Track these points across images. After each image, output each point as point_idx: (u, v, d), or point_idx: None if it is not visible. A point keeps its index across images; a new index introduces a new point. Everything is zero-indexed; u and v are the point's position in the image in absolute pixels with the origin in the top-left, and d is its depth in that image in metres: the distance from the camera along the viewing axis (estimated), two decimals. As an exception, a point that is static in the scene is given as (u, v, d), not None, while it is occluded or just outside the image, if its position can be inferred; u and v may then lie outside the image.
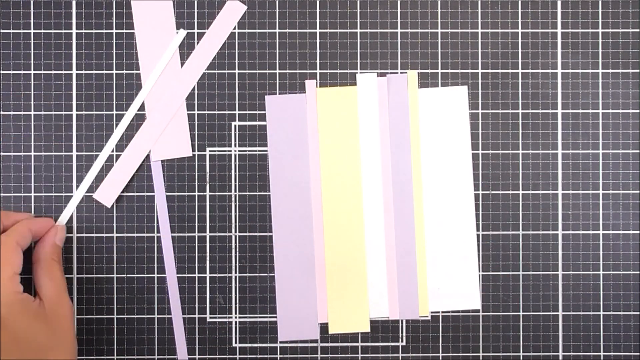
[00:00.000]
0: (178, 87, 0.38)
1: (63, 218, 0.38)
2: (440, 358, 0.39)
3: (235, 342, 0.39)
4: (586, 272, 0.38)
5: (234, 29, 0.39)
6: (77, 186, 0.38)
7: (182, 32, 0.36)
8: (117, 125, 0.39)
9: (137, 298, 0.38)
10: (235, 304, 0.39)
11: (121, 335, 0.38)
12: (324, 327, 0.39)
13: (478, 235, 0.38)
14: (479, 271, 0.39)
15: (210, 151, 0.39)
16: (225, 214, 0.39)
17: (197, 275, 0.39)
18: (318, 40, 0.39)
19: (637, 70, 0.39)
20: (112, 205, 0.38)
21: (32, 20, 0.39)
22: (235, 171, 0.39)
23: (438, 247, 0.38)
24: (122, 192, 0.38)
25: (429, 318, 0.39)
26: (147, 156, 0.39)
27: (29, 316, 0.33)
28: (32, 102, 0.38)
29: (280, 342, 0.39)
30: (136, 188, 0.38)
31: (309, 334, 0.38)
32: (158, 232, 0.38)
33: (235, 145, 0.39)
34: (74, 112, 0.39)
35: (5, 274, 0.33)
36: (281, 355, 0.38)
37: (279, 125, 0.39)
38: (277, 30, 0.39)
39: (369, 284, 0.38)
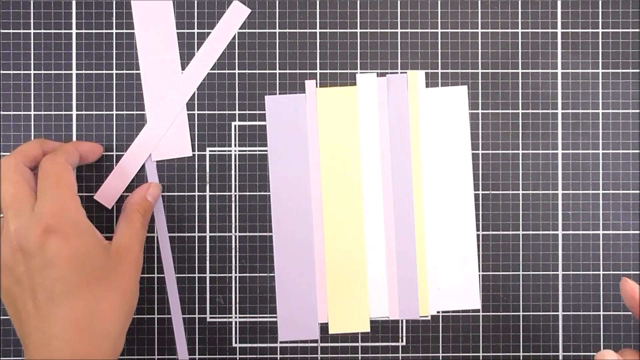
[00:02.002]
0: (180, 89, 0.38)
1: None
2: (440, 358, 0.39)
3: (235, 342, 0.39)
4: (586, 272, 0.38)
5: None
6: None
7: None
8: (117, 125, 0.39)
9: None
10: (235, 304, 0.39)
11: (121, 335, 0.38)
12: (324, 327, 0.39)
13: (478, 235, 0.38)
14: (479, 271, 0.39)
15: (210, 151, 0.39)
16: (225, 214, 0.39)
17: (197, 275, 0.39)
18: (318, 40, 0.39)
19: (637, 70, 0.39)
20: (113, 206, 0.38)
21: (32, 20, 0.39)
22: (235, 171, 0.39)
23: (438, 247, 0.38)
24: (122, 192, 0.38)
25: (429, 318, 0.39)
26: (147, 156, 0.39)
27: (94, 242, 0.32)
28: (32, 102, 0.38)
29: (280, 342, 0.39)
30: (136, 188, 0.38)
31: (309, 334, 0.38)
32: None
33: (235, 145, 0.39)
34: (74, 112, 0.39)
35: (65, 194, 0.32)
36: (281, 355, 0.38)
37: (279, 125, 0.39)
38: (277, 30, 0.39)
39: (369, 284, 0.38)
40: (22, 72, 0.38)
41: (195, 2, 0.39)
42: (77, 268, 0.30)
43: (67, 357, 0.29)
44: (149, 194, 0.36)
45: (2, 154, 0.38)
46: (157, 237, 0.38)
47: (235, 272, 0.39)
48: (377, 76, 0.39)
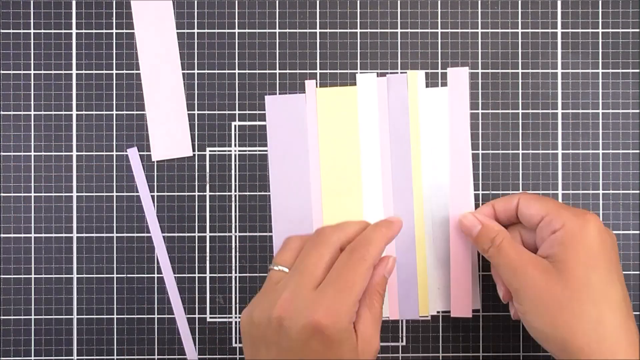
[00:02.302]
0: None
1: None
2: (440, 358, 0.39)
3: (235, 342, 0.39)
4: (586, 272, 0.38)
5: (234, 28, 0.39)
6: (77, 186, 0.38)
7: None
8: (117, 125, 0.39)
9: (137, 298, 0.38)
10: (235, 304, 0.39)
11: (121, 335, 0.38)
12: (324, 327, 0.38)
13: (478, 235, 0.38)
14: (479, 271, 0.39)
15: (210, 151, 0.39)
16: (225, 214, 0.39)
17: (197, 275, 0.39)
18: (318, 40, 0.39)
19: (637, 70, 0.39)
20: (113, 205, 0.38)
21: (32, 20, 0.39)
22: (235, 171, 0.39)
23: (438, 247, 0.38)
24: (122, 192, 0.38)
25: (429, 318, 0.39)
26: (147, 156, 0.39)
27: (349, 354, 0.29)
28: (32, 102, 0.38)
29: (280, 342, 0.39)
30: (136, 188, 0.38)
31: (309, 334, 0.38)
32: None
33: (235, 145, 0.39)
34: (74, 112, 0.39)
35: (350, 303, 0.29)
36: (281, 355, 0.38)
37: (279, 125, 0.39)
38: (277, 30, 0.39)
39: (369, 284, 0.38)
40: (22, 72, 0.38)
41: (195, 2, 0.39)
42: None
43: None
44: (387, 271, 0.33)
45: (2, 154, 0.38)
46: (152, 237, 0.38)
47: (235, 272, 0.39)
48: (377, 76, 0.39)
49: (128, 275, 0.38)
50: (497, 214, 0.35)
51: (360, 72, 0.39)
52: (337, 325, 0.29)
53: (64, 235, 0.38)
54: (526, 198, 0.34)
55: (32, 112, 0.38)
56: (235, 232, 0.39)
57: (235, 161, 0.39)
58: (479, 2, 0.39)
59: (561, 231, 0.31)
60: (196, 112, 0.39)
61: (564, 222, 0.31)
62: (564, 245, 0.31)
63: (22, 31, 0.39)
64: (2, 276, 0.38)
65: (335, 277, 0.30)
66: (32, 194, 0.38)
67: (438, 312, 0.39)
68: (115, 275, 0.38)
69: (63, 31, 0.39)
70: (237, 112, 0.39)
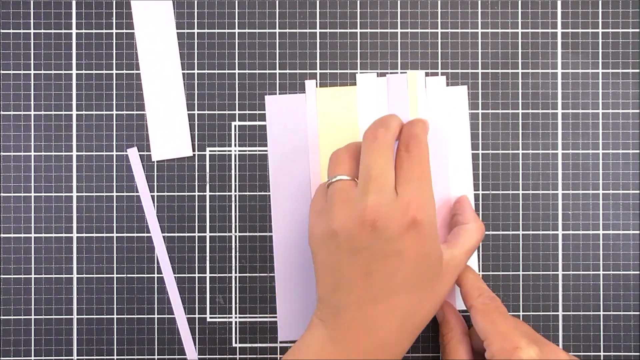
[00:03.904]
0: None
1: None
2: (440, 358, 0.39)
3: (235, 342, 0.39)
4: (586, 272, 0.38)
5: (234, 28, 0.39)
6: (77, 186, 0.38)
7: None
8: (117, 125, 0.39)
9: (137, 298, 0.38)
10: (235, 304, 0.39)
11: (121, 335, 0.38)
12: (324, 327, 0.38)
13: (478, 235, 0.38)
14: (479, 271, 0.39)
15: (210, 151, 0.39)
16: (225, 214, 0.39)
17: (197, 275, 0.39)
18: (318, 40, 0.39)
19: (637, 70, 0.39)
20: (113, 205, 0.38)
21: (32, 20, 0.39)
22: (235, 171, 0.39)
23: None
24: (122, 192, 0.38)
25: (429, 318, 0.39)
26: (147, 156, 0.39)
27: (437, 247, 0.32)
28: (32, 102, 0.38)
29: (280, 342, 0.39)
30: (136, 188, 0.38)
31: (309, 334, 0.38)
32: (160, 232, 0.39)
33: (235, 145, 0.39)
34: (74, 112, 0.39)
35: (429, 190, 0.31)
36: (281, 356, 0.38)
37: (279, 125, 0.39)
38: (277, 30, 0.39)
39: (369, 284, 0.38)
40: (22, 72, 0.38)
41: (195, 2, 0.39)
42: (420, 268, 0.31)
43: (377, 343, 0.30)
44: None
45: (2, 154, 0.38)
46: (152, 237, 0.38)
47: (235, 272, 0.39)
48: (377, 76, 0.39)
49: (128, 275, 0.38)
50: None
51: (360, 72, 0.39)
52: (430, 217, 0.31)
53: (64, 235, 0.38)
54: (474, 311, 0.33)
55: (32, 112, 0.38)
56: (235, 232, 0.39)
57: (235, 161, 0.39)
58: (479, 2, 0.39)
59: None
60: (196, 112, 0.39)
61: (492, 354, 0.31)
62: None
63: (22, 31, 0.39)
64: (2, 276, 0.38)
65: (411, 174, 0.31)
66: (32, 194, 0.38)
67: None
68: (115, 275, 0.38)
69: (63, 31, 0.39)
70: (237, 112, 0.39)
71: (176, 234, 0.39)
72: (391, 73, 0.39)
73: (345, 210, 0.31)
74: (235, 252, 0.39)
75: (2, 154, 0.38)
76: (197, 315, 0.39)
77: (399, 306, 0.31)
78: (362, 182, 0.31)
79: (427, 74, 0.39)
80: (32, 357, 0.38)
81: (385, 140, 0.32)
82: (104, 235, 0.38)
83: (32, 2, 0.39)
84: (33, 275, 0.38)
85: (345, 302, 0.31)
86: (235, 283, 0.39)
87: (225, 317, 0.39)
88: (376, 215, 0.30)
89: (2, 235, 0.38)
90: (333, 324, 0.31)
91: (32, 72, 0.38)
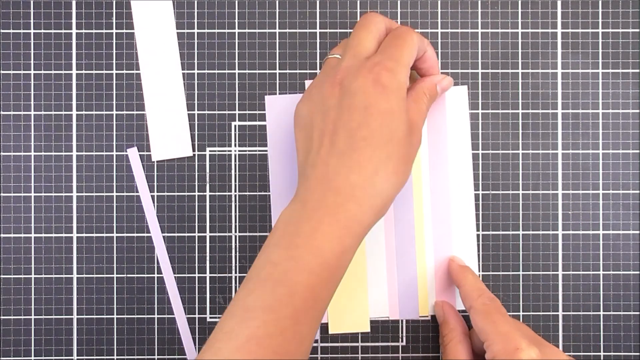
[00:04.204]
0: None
1: None
2: (440, 358, 0.39)
3: (235, 342, 0.39)
4: (586, 272, 0.38)
5: (234, 28, 0.39)
6: (77, 186, 0.38)
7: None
8: (117, 125, 0.39)
9: (137, 298, 0.38)
10: (235, 304, 0.39)
11: (121, 335, 0.38)
12: (324, 327, 0.39)
13: (478, 235, 0.38)
14: (479, 271, 0.39)
15: (210, 151, 0.39)
16: (225, 214, 0.39)
17: (197, 275, 0.39)
18: (318, 40, 0.39)
19: (637, 70, 0.39)
20: (113, 205, 0.38)
21: (32, 20, 0.39)
22: (235, 171, 0.39)
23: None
24: (122, 192, 0.38)
25: (429, 318, 0.39)
26: (147, 156, 0.39)
27: (403, 106, 0.32)
28: (32, 102, 0.38)
29: (280, 342, 0.39)
30: (136, 188, 0.38)
31: (309, 334, 0.38)
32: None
33: (235, 145, 0.39)
34: (74, 112, 0.39)
35: (404, 58, 0.32)
36: (281, 355, 0.38)
37: (279, 125, 0.39)
38: (277, 30, 0.39)
39: (369, 284, 0.38)
40: (22, 72, 0.38)
41: (195, 2, 0.39)
42: (384, 124, 0.31)
43: (343, 197, 0.30)
44: (440, 85, 0.35)
45: (2, 154, 0.38)
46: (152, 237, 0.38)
47: (235, 272, 0.39)
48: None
49: (128, 275, 0.38)
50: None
51: (360, 72, 0.39)
52: (396, 78, 0.31)
53: (64, 235, 0.38)
54: (474, 312, 0.33)
55: (32, 112, 0.38)
56: (235, 232, 0.39)
57: (235, 161, 0.39)
58: (479, 2, 0.39)
59: None
60: (196, 112, 0.39)
61: (494, 355, 0.31)
62: None
63: (22, 31, 0.39)
64: (2, 276, 0.38)
65: (387, 46, 0.33)
66: (32, 194, 0.38)
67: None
68: (115, 275, 0.38)
69: (63, 31, 0.39)
70: (237, 112, 0.39)
71: (176, 234, 0.39)
72: (391, 73, 0.39)
73: (323, 76, 0.33)
74: (235, 252, 0.39)
75: (2, 154, 0.38)
76: (197, 315, 0.39)
77: (363, 161, 0.30)
78: (343, 52, 0.33)
79: (427, 74, 0.39)
80: (32, 357, 0.38)
81: (374, 19, 0.33)
82: (104, 235, 0.38)
83: (32, 2, 0.39)
84: (33, 275, 0.38)
85: (313, 162, 0.31)
86: (235, 283, 0.39)
87: (225, 317, 0.39)
88: (344, 74, 0.32)
89: (2, 235, 0.38)
90: (302, 188, 0.31)
91: (32, 72, 0.38)
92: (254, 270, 0.30)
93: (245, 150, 0.39)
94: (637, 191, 0.39)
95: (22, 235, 0.38)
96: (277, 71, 0.39)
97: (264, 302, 0.28)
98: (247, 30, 0.39)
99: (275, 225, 0.31)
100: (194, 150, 0.39)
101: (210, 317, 0.39)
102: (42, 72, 0.39)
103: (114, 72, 0.39)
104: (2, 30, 0.39)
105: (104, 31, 0.39)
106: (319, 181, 0.31)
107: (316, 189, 0.30)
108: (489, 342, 0.32)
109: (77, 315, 0.38)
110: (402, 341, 0.39)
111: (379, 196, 0.31)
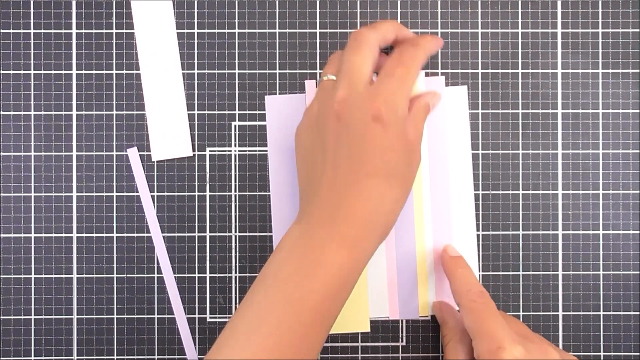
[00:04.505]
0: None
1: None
2: (440, 358, 0.39)
3: (235, 342, 0.39)
4: (586, 272, 0.38)
5: (234, 28, 0.39)
6: (77, 186, 0.38)
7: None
8: (117, 125, 0.39)
9: (137, 298, 0.38)
10: (235, 304, 0.39)
11: (121, 335, 0.38)
12: (324, 327, 0.38)
13: (478, 235, 0.38)
14: (479, 271, 0.39)
15: (210, 151, 0.39)
16: (225, 214, 0.39)
17: (197, 275, 0.39)
18: (318, 40, 0.39)
19: (637, 70, 0.39)
20: (113, 205, 0.38)
21: (32, 20, 0.39)
22: (235, 171, 0.39)
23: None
24: (122, 192, 0.38)
25: (429, 318, 0.39)
26: (147, 156, 0.39)
27: (405, 140, 0.32)
28: (32, 102, 0.38)
29: (280, 342, 0.39)
30: (136, 188, 0.38)
31: (309, 334, 0.38)
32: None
33: (235, 145, 0.39)
34: (74, 112, 0.39)
35: (405, 91, 0.32)
36: (281, 355, 0.38)
37: (279, 125, 0.39)
38: (277, 30, 0.39)
39: (369, 284, 0.38)
40: (22, 72, 0.38)
41: (195, 2, 0.39)
42: (385, 159, 0.31)
43: (348, 226, 0.30)
44: (432, 102, 0.35)
45: (2, 154, 0.38)
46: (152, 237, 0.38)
47: (235, 272, 0.39)
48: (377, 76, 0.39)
49: (128, 275, 0.38)
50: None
51: (360, 72, 0.39)
52: (396, 112, 0.31)
53: (64, 235, 0.38)
54: (462, 310, 0.33)
55: (32, 112, 0.38)
56: (235, 232, 0.39)
57: (235, 161, 0.39)
58: (479, 2, 0.39)
59: None
60: (196, 112, 0.39)
61: (478, 355, 0.31)
62: None
63: (22, 31, 0.39)
64: (2, 276, 0.38)
65: (391, 70, 0.32)
66: (32, 194, 0.38)
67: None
68: (115, 275, 0.38)
69: (63, 31, 0.39)
70: (237, 112, 0.39)
71: (176, 234, 0.39)
72: (391, 73, 0.39)
73: (320, 104, 0.33)
74: (235, 252, 0.39)
75: (2, 154, 0.38)
76: (197, 315, 0.39)
77: (365, 192, 0.30)
78: (337, 77, 0.33)
79: (426, 74, 0.39)
80: (32, 357, 0.38)
81: (366, 39, 0.33)
82: (104, 235, 0.38)
83: (32, 2, 0.39)
84: (33, 275, 0.38)
85: (316, 189, 0.31)
86: (235, 283, 0.39)
87: (225, 317, 0.39)
88: (341, 107, 0.31)
89: (2, 235, 0.38)
90: (306, 215, 0.31)
91: (32, 72, 0.38)
92: (260, 286, 0.30)
93: (245, 150, 0.39)
94: (637, 191, 0.39)
95: (22, 235, 0.38)
96: (277, 71, 0.39)
97: (271, 321, 0.29)
98: (247, 30, 0.39)
99: (280, 246, 0.31)
100: (194, 150, 0.39)
101: (210, 317, 0.39)
102: (42, 72, 0.39)
103: (114, 72, 0.39)
104: (2, 30, 0.39)
105: (104, 31, 0.39)
106: (323, 210, 0.31)
107: (320, 218, 0.31)
108: (475, 342, 0.31)
109: (77, 315, 0.38)
110: (402, 341, 0.39)
111: (382, 223, 0.31)
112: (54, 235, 0.38)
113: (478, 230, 0.38)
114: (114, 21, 0.39)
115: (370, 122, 0.31)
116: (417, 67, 0.33)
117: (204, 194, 0.39)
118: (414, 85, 0.33)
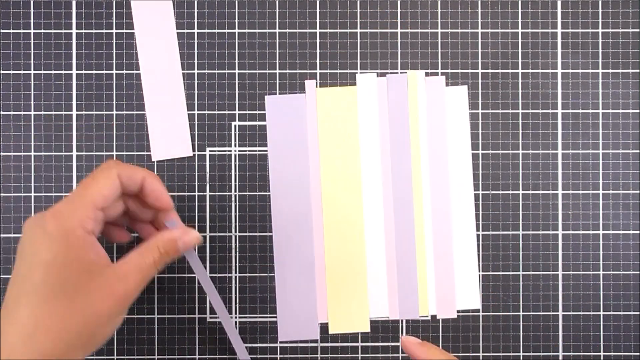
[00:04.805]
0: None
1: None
2: (440, 358, 0.39)
3: (235, 342, 0.39)
4: (586, 272, 0.38)
5: (234, 28, 0.39)
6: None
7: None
8: (117, 125, 0.39)
9: (137, 298, 0.38)
10: (235, 304, 0.39)
11: (121, 335, 0.38)
12: (324, 327, 0.39)
13: (478, 235, 0.38)
14: (479, 271, 0.39)
15: (210, 151, 0.39)
16: (225, 214, 0.39)
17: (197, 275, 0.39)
18: (318, 40, 0.39)
19: (637, 70, 0.39)
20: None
21: (32, 20, 0.39)
22: (235, 171, 0.39)
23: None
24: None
25: (429, 318, 0.39)
26: (147, 156, 0.39)
27: (76, 255, 0.29)
28: (32, 102, 0.38)
29: (280, 342, 0.39)
30: (136, 188, 0.38)
31: (309, 334, 0.38)
32: (158, 232, 0.39)
33: (235, 145, 0.39)
34: (74, 112, 0.39)
35: (77, 204, 0.30)
36: (281, 355, 0.38)
37: (279, 125, 0.39)
38: (277, 30, 0.39)
39: (369, 284, 0.38)
40: (22, 72, 0.38)
41: (195, 2, 0.39)
42: (47, 276, 0.29)
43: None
44: (183, 241, 0.32)
45: (2, 154, 0.38)
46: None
47: (235, 272, 0.39)
48: (377, 76, 0.39)
49: (128, 275, 0.38)
50: None
51: (360, 72, 0.39)
52: (63, 223, 0.29)
53: (64, 235, 0.38)
54: None
55: (32, 112, 0.38)
56: (235, 232, 0.39)
57: (235, 161, 0.39)
58: (479, 2, 0.39)
59: None
60: (196, 112, 0.39)
61: None
62: None
63: (22, 31, 0.39)
64: (2, 276, 0.38)
65: (75, 189, 0.31)
66: (32, 194, 0.38)
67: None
68: (115, 275, 0.38)
69: (63, 31, 0.39)
70: (237, 112, 0.39)
71: (176, 234, 0.39)
72: (391, 73, 0.39)
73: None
74: (235, 252, 0.39)
75: (2, 154, 0.38)
76: (197, 315, 0.39)
77: (24, 316, 0.28)
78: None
79: (427, 74, 0.39)
80: (32, 357, 0.38)
81: (105, 166, 0.31)
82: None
83: (32, 2, 0.39)
84: (33, 275, 0.38)
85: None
86: (235, 283, 0.39)
87: (225, 317, 0.39)
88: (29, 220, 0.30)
89: (2, 235, 0.38)
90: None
91: (32, 72, 0.38)
92: None
93: (245, 150, 0.39)
94: (637, 191, 0.39)
95: (22, 235, 0.38)
96: (277, 71, 0.39)
97: None
98: (247, 30, 0.39)
99: None
100: (194, 150, 0.39)
101: (210, 317, 0.39)
102: (42, 72, 0.39)
103: (114, 72, 0.39)
104: (2, 30, 0.39)
105: (104, 31, 0.39)
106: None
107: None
108: None
109: (77, 315, 0.38)
110: (402, 341, 0.39)
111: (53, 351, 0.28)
112: (54, 235, 0.38)
113: (478, 230, 0.39)
114: (114, 21, 0.39)
115: (34, 231, 0.29)
116: (101, 186, 0.30)
117: (204, 194, 0.39)
118: None
